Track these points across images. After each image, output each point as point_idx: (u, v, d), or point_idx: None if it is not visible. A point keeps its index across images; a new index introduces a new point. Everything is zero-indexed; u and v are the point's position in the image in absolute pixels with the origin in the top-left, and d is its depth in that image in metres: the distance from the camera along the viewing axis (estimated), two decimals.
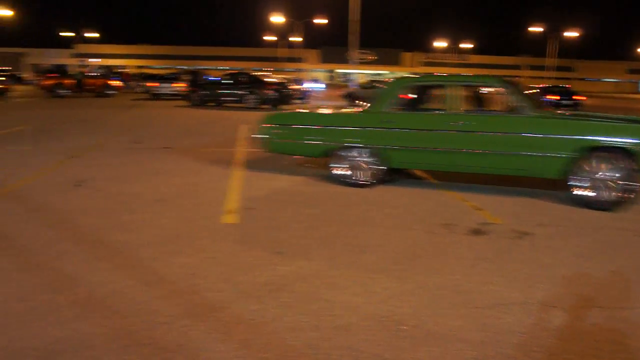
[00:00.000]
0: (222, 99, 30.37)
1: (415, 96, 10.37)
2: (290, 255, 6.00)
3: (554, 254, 6.19)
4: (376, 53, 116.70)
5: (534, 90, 35.91)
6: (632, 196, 7.99)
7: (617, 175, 8.00)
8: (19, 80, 58.04)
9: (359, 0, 46.55)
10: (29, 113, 24.86)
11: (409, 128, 9.07)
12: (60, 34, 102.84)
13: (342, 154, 9.62)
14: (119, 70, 65.65)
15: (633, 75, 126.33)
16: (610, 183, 8.05)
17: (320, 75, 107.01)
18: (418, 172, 11.01)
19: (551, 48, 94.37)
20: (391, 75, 77.77)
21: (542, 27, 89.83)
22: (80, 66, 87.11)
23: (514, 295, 5.03)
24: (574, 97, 35.19)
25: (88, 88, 39.02)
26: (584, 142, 8.09)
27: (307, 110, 10.52)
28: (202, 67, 65.44)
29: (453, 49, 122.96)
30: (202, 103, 31.02)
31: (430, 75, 10.08)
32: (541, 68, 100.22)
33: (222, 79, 31.16)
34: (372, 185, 9.48)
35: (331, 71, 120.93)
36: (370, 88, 34.17)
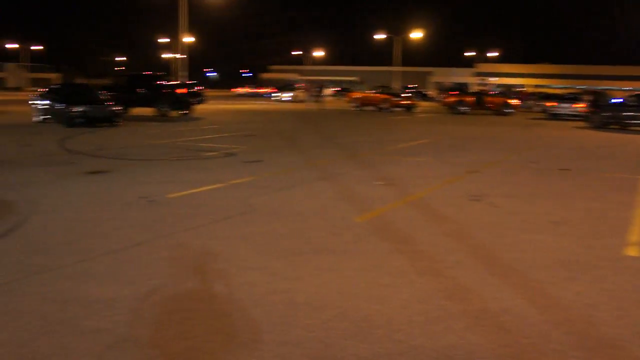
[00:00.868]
0: (626, 121, 28.25)
1: None
2: None
3: None
4: None
5: None
6: None
7: None
8: (424, 97, 62.27)
9: None
10: (430, 127, 26.48)
11: None
12: (465, 53, 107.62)
13: None
14: (517, 89, 65.82)
15: None
16: None
17: None
18: None
19: None
20: None
21: None
22: (479, 84, 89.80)
23: None
24: None
25: (487, 106, 39.94)
26: None
27: None
28: (603, 88, 61.88)
29: None
30: (603, 125, 29.31)
31: None
32: None
33: (626, 100, 29.00)
34: None
35: None
36: None
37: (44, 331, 4.34)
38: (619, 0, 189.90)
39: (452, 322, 4.64)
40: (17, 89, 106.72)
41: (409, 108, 41.02)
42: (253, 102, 60.96)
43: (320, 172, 12.15)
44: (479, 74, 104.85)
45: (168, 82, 33.34)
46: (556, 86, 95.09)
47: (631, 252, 6.75)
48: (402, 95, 43.73)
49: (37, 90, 28.24)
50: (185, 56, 49.73)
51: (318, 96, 45.28)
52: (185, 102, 32.24)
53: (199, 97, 33.51)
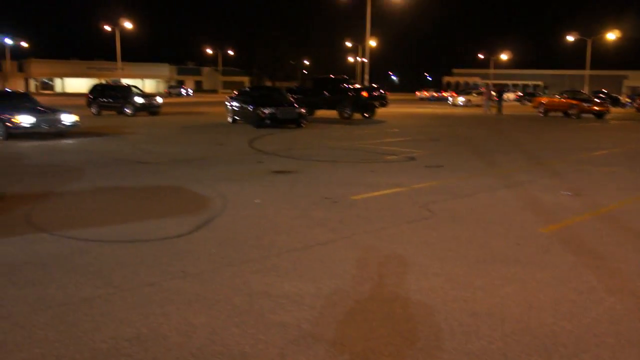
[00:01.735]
0: None
1: None
2: None
3: None
4: None
5: None
6: None
7: None
8: (616, 102, 58.28)
9: None
10: (624, 135, 24.70)
11: None
12: None
13: None
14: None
15: None
16: None
17: None
18: None
19: None
20: None
21: None
22: None
23: None
24: None
25: None
26: None
27: None
28: None
29: None
30: None
31: None
32: None
33: None
34: None
35: None
36: None
37: (234, 321, 4.62)
38: None
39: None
40: (213, 91, 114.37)
41: (600, 115, 38.54)
42: (432, 105, 60.62)
43: (504, 179, 11.80)
44: None
45: (351, 85, 34.03)
46: None
47: None
48: (593, 100, 41.13)
49: (233, 93, 30.02)
50: (366, 60, 50.53)
51: (496, 101, 43.70)
52: (367, 105, 32.74)
53: (381, 100, 33.81)
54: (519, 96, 79.09)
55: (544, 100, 43.99)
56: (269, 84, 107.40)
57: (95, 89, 35.36)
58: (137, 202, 9.35)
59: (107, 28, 75.77)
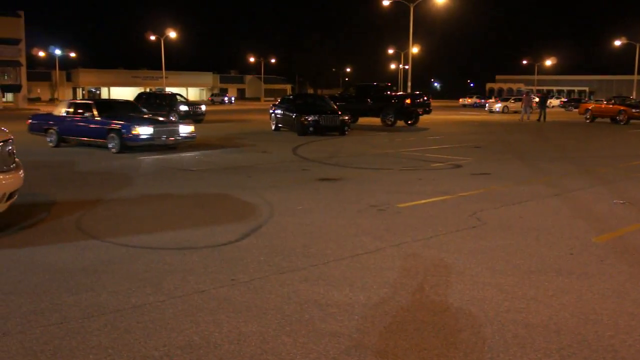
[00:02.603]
0: None
1: None
2: None
3: None
4: None
5: None
6: None
7: None
8: None
9: None
10: None
11: None
12: None
13: None
14: None
15: None
16: None
17: None
18: None
19: None
20: None
21: None
22: None
23: None
24: None
25: None
26: None
27: None
28: None
29: None
30: None
31: None
32: None
33: None
34: None
35: None
36: None
37: (285, 330, 4.60)
38: None
39: None
40: (256, 99, 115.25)
41: None
42: (470, 112, 59.91)
43: (553, 187, 11.57)
44: None
45: (395, 92, 33.90)
46: None
47: None
48: None
49: (276, 100, 30.19)
50: (409, 67, 50.32)
51: (535, 107, 42.61)
52: (411, 113, 32.58)
53: (425, 108, 33.60)
54: (563, 102, 77.75)
55: (590, 106, 43.17)
56: (310, 91, 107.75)
57: (140, 98, 35.89)
58: (184, 209, 9.43)
59: (152, 38, 77.10)
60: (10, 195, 7.68)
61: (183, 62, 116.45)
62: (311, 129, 24.42)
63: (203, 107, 36.59)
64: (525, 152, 18.82)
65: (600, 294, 5.49)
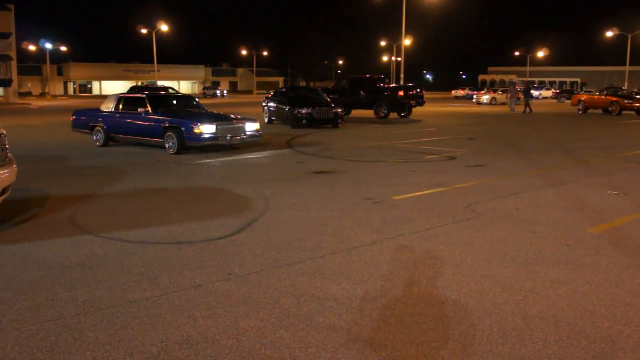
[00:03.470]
0: None
1: None
2: None
3: None
4: None
5: None
6: None
7: None
8: None
9: None
10: None
11: None
12: None
13: None
14: None
15: None
16: None
17: None
18: None
19: None
20: None
21: None
22: None
23: None
24: None
25: None
26: None
27: None
28: None
29: None
30: None
31: None
32: None
33: None
34: None
35: None
36: None
37: (283, 324, 4.58)
38: None
39: None
40: (248, 92, 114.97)
41: None
42: (459, 104, 59.81)
43: (547, 178, 11.58)
44: None
45: (387, 84, 33.86)
46: None
47: None
48: (634, 97, 40.19)
49: (269, 93, 30.07)
50: (401, 59, 50.30)
51: (522, 99, 42.18)
52: (403, 105, 32.54)
53: (418, 100, 33.55)
54: (556, 93, 77.85)
55: (582, 97, 43.23)
56: (303, 84, 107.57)
57: (132, 91, 35.63)
58: (179, 203, 9.38)
59: (144, 31, 76.74)
60: (3, 191, 7.62)
61: (175, 55, 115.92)
62: (304, 121, 24.36)
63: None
64: (519, 143, 18.84)
65: (597, 285, 5.50)
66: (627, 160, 14.62)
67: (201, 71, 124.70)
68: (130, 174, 12.34)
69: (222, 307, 4.93)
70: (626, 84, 68.24)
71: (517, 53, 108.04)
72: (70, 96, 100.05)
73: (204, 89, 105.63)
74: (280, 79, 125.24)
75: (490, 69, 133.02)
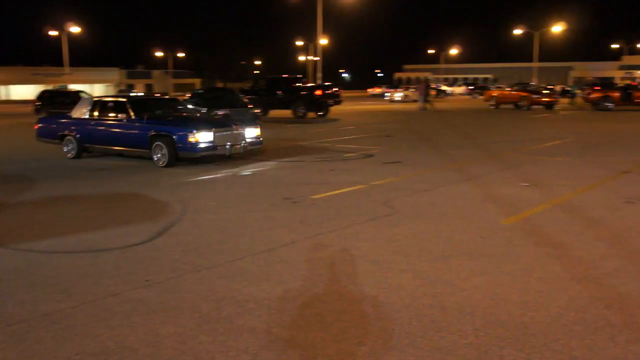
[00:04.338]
0: None
1: None
2: None
3: None
4: None
5: None
6: None
7: None
8: (567, 94, 59.29)
9: None
10: (574, 125, 25.23)
11: None
12: (611, 46, 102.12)
13: None
14: None
15: None
16: None
17: None
18: None
19: None
20: None
21: None
22: (625, 78, 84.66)
23: None
24: None
25: (636, 101, 37.40)
26: None
27: None
28: None
29: None
30: None
31: None
32: None
33: None
34: None
35: None
36: None
37: (203, 329, 4.52)
38: None
39: (614, 333, 4.36)
40: (164, 94, 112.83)
41: (549, 105, 39.31)
42: (380, 102, 60.60)
43: (462, 172, 11.90)
44: (625, 67, 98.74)
45: (305, 84, 33.98)
46: None
47: None
48: (542, 92, 41.86)
49: (185, 95, 29.63)
50: (318, 58, 50.55)
51: (427, 95, 42.64)
52: (321, 104, 32.71)
53: (335, 99, 33.82)
54: (470, 90, 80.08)
55: (495, 93, 44.65)
56: (220, 85, 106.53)
57: (43, 96, 34.45)
58: (94, 211, 9.11)
59: (53, 33, 74.19)
60: None
61: (88, 58, 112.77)
62: None
63: None
64: (434, 139, 19.27)
65: (510, 274, 5.68)
66: (537, 153, 15.19)
67: (115, 74, 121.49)
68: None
69: (140, 314, 4.82)
70: (535, 79, 70.92)
71: (431, 51, 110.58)
72: None
73: (118, 92, 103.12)
74: (197, 81, 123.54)
75: (405, 67, 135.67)
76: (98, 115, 15.11)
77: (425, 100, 41.80)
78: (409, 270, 5.83)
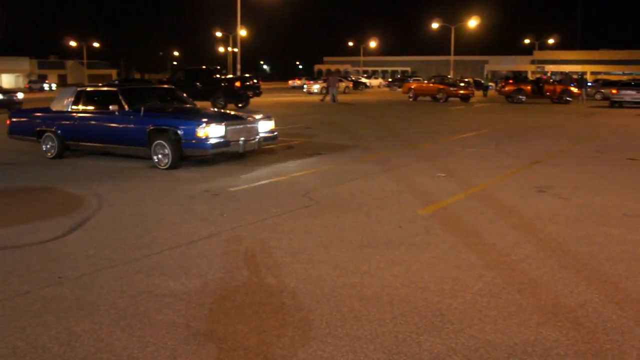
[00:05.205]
0: None
1: None
2: None
3: None
4: None
5: None
6: None
7: None
8: (480, 86, 61.18)
9: None
10: (489, 117, 26.04)
11: None
12: (525, 41, 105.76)
13: None
14: (576, 77, 63.80)
15: None
16: None
17: None
18: None
19: None
20: None
21: None
22: (536, 72, 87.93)
23: None
24: None
25: (547, 95, 38.94)
26: None
27: None
28: None
29: None
30: None
31: None
32: None
33: None
34: None
35: None
36: None
37: (120, 325, 4.42)
38: None
39: (526, 317, 4.53)
40: (78, 85, 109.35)
41: (465, 98, 40.45)
42: (299, 94, 60.73)
43: (381, 164, 12.08)
44: (537, 62, 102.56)
45: (224, 75, 33.66)
46: (617, 72, 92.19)
47: None
48: (459, 84, 43.05)
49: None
50: (238, 50, 50.17)
51: (332, 87, 42.22)
52: (241, 95, 32.49)
53: (255, 90, 33.66)
54: (389, 82, 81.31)
55: (413, 85, 45.51)
56: (137, 76, 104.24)
57: None
58: (2, 206, 8.75)
59: None
60: None
61: None
62: None
63: (20, 95, 34.11)
64: (354, 131, 19.46)
65: (427, 263, 5.81)
66: (453, 144, 15.58)
67: (26, 63, 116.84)
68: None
69: (53, 313, 4.66)
70: (451, 72, 72.69)
71: (350, 43, 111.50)
72: None
73: (29, 82, 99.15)
74: (114, 72, 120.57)
75: (326, 58, 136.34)
76: (83, 108, 13.09)
77: (327, 92, 41.54)
78: (328, 261, 5.87)
